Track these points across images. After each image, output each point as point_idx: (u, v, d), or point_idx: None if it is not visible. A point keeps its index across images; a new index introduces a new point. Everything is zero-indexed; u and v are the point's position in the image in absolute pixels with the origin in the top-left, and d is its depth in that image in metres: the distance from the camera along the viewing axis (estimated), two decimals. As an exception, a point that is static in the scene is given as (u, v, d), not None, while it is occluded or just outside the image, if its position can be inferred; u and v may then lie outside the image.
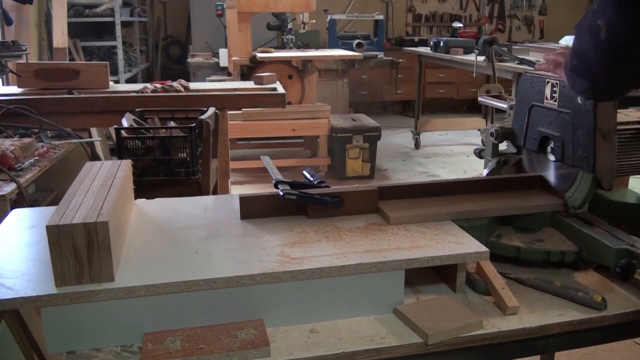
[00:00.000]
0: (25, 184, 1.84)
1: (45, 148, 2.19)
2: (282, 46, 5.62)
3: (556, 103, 1.35)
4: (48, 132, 2.45)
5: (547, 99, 1.38)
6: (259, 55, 4.71)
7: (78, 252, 0.89)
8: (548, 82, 1.37)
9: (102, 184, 1.09)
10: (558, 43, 4.69)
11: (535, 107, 1.42)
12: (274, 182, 1.23)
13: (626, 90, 1.11)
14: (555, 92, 1.36)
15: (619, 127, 1.29)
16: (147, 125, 2.39)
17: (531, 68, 1.63)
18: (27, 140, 2.15)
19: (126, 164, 1.25)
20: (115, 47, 5.86)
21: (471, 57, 4.77)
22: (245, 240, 1.10)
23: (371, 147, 4.86)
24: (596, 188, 1.28)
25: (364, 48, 5.93)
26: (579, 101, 1.28)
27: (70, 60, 5.23)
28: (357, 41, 5.95)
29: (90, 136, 3.32)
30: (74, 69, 3.03)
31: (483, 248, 1.08)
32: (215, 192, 2.68)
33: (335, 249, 1.05)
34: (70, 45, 5.49)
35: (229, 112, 3.08)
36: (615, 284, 1.17)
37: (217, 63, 5.52)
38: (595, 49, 1.00)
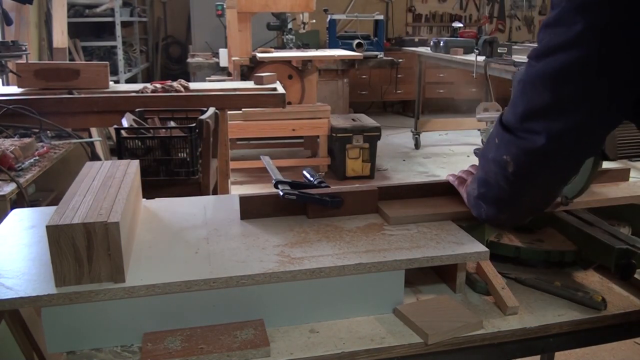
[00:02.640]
0: (25, 184, 1.84)
1: (45, 148, 2.19)
2: (282, 46, 5.62)
3: None
4: (48, 132, 2.45)
5: None
6: (259, 55, 4.71)
7: (78, 252, 0.89)
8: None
9: (102, 184, 1.09)
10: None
11: None
12: (274, 182, 1.23)
13: (533, 214, 1.13)
14: None
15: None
16: (147, 125, 2.39)
17: None
18: (27, 140, 2.15)
19: (134, 165, 1.25)
20: (115, 47, 5.86)
21: (471, 57, 4.78)
22: (245, 240, 1.10)
23: (371, 147, 4.86)
24: (599, 166, 1.24)
25: (364, 48, 5.93)
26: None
27: (70, 60, 5.23)
28: (357, 41, 5.96)
29: (90, 136, 3.32)
30: (74, 69, 3.03)
31: (483, 248, 1.08)
32: (215, 192, 2.68)
33: (335, 249, 1.05)
34: (70, 45, 5.50)
35: (229, 112, 3.08)
36: (615, 284, 1.17)
37: (217, 63, 5.52)
38: (506, 181, 0.99)
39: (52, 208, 1.10)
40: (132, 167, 1.21)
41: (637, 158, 1.26)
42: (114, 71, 5.55)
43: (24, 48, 2.95)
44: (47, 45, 5.15)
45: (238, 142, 5.29)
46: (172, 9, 7.82)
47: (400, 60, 6.06)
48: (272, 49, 5.08)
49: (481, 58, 4.62)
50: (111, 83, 3.17)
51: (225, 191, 2.99)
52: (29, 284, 0.91)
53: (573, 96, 0.87)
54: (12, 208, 1.46)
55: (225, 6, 5.11)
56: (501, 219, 1.10)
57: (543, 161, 0.93)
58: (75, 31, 5.82)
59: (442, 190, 1.32)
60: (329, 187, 1.29)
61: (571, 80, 0.86)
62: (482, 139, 1.60)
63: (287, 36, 5.34)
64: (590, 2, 0.82)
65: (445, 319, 1.00)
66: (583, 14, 0.83)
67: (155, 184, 2.20)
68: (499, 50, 4.46)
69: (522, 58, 3.98)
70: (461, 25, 6.43)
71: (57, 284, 0.90)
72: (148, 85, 3.04)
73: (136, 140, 2.20)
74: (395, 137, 6.74)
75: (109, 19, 5.84)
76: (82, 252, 0.89)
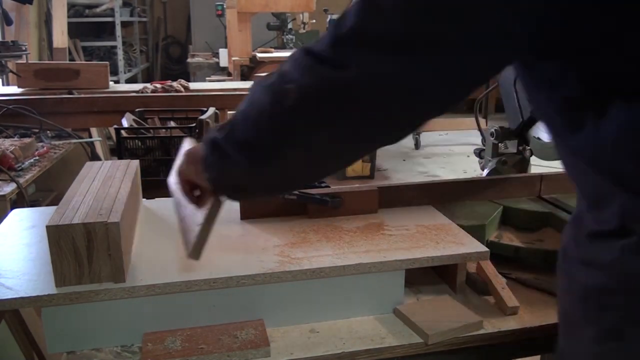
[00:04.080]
0: (25, 184, 1.84)
1: (45, 148, 2.19)
2: (282, 46, 5.62)
3: None
4: (48, 132, 2.45)
5: None
6: (259, 55, 4.71)
7: (78, 252, 0.89)
8: None
9: (102, 184, 1.09)
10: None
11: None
12: (274, 182, 1.23)
13: (275, 189, 0.84)
14: None
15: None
16: (147, 125, 2.39)
17: None
18: (27, 140, 2.15)
19: (134, 165, 1.24)
20: (115, 47, 5.87)
21: (471, 57, 4.77)
22: (245, 241, 1.10)
23: (371, 147, 4.85)
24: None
25: (364, 48, 5.91)
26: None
27: (70, 60, 5.23)
28: (357, 41, 5.94)
29: (90, 136, 3.32)
30: (74, 69, 3.03)
31: (483, 248, 1.08)
32: (215, 192, 2.68)
33: (335, 249, 1.05)
34: (70, 46, 5.50)
35: (229, 112, 3.08)
36: (615, 284, 1.17)
37: (217, 63, 5.52)
38: (270, 118, 0.71)
39: (52, 208, 1.10)
40: (132, 167, 1.21)
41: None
42: (114, 71, 5.55)
43: (24, 48, 2.95)
44: (47, 45, 5.15)
45: (238, 142, 5.28)
46: (172, 9, 7.82)
47: (400, 60, 6.04)
48: (272, 49, 5.07)
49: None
50: (111, 83, 3.17)
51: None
52: (29, 284, 0.91)
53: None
54: (12, 208, 1.46)
55: (225, 6, 5.11)
56: (240, 177, 0.78)
57: (344, 100, 0.67)
58: (75, 31, 5.83)
59: (441, 190, 1.32)
60: (329, 187, 1.29)
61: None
62: (481, 140, 1.61)
63: (287, 36, 5.33)
64: None
65: (446, 319, 1.00)
66: None
67: (155, 184, 2.20)
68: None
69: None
70: (461, 25, 6.42)
71: (57, 284, 0.90)
72: (148, 85, 3.04)
73: (136, 140, 2.20)
74: (395, 137, 6.73)
75: (109, 19, 5.84)
76: (82, 252, 0.89)
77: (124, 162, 1.26)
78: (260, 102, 0.72)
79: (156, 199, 1.33)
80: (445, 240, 1.10)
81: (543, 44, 0.65)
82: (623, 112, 0.62)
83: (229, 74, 5.11)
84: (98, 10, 5.88)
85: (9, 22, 3.66)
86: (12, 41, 2.93)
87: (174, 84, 3.05)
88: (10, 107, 2.46)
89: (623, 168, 0.64)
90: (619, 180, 0.65)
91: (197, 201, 0.87)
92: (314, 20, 5.20)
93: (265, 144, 0.73)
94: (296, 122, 0.70)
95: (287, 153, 0.73)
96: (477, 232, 1.17)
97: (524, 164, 1.70)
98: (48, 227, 0.88)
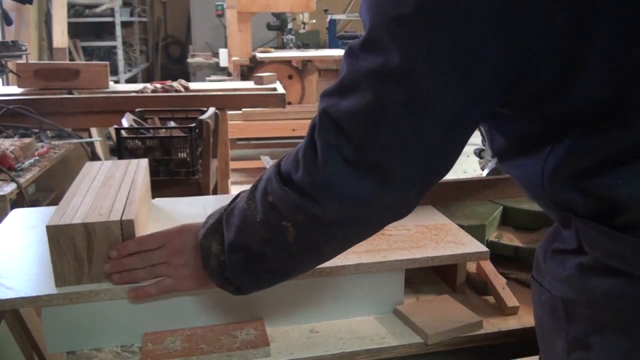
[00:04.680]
0: (25, 184, 1.84)
1: (45, 148, 2.19)
2: (282, 46, 5.62)
3: None
4: (48, 132, 2.45)
5: None
6: (259, 55, 4.71)
7: (78, 252, 0.89)
8: None
9: (102, 184, 1.09)
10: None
11: None
12: (274, 182, 1.23)
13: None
14: None
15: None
16: (147, 125, 2.39)
17: None
18: (27, 140, 2.15)
19: (143, 164, 1.24)
20: (115, 47, 5.87)
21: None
22: (245, 240, 1.10)
23: (371, 147, 4.85)
24: None
25: (364, 48, 5.91)
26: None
27: (70, 60, 5.23)
28: (357, 41, 5.94)
29: (90, 136, 3.32)
30: (74, 69, 3.03)
31: (483, 248, 1.08)
32: (215, 192, 2.68)
33: (335, 249, 1.05)
34: (70, 46, 5.50)
35: (229, 112, 3.08)
36: (615, 284, 1.17)
37: (217, 63, 5.53)
38: (284, 250, 0.77)
39: (52, 208, 1.10)
40: (140, 167, 1.21)
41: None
42: (114, 71, 5.55)
43: (24, 48, 2.95)
44: (47, 45, 5.15)
45: (238, 142, 5.28)
46: (172, 9, 7.82)
47: (400, 60, 6.05)
48: (272, 49, 5.08)
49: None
50: (111, 83, 3.17)
51: (226, 191, 2.98)
52: (29, 284, 0.91)
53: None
54: (12, 208, 1.46)
55: (225, 6, 5.12)
56: (250, 289, 0.85)
57: (338, 230, 0.73)
58: (75, 31, 5.83)
59: (441, 190, 1.32)
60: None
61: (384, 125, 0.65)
62: (481, 140, 1.61)
63: (287, 36, 5.34)
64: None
65: (446, 319, 1.00)
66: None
67: (155, 184, 2.20)
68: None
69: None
70: (461, 25, 6.42)
71: (58, 284, 0.90)
72: (148, 85, 3.04)
73: (136, 140, 2.20)
74: (395, 137, 6.73)
75: (109, 19, 5.85)
76: (82, 252, 0.89)
77: (133, 161, 1.25)
78: (260, 236, 0.77)
79: (156, 198, 1.33)
80: (445, 240, 1.10)
81: (505, 103, 0.67)
82: (566, 145, 0.65)
83: (229, 74, 5.11)
84: (98, 10, 5.88)
85: (9, 22, 3.66)
86: (12, 41, 2.92)
87: (174, 84, 3.05)
88: (10, 107, 2.47)
89: (566, 196, 0.66)
90: (565, 207, 0.68)
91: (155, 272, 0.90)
92: (314, 20, 5.20)
93: (274, 270, 0.81)
94: (300, 251, 0.77)
95: (294, 269, 0.83)
96: (477, 232, 1.17)
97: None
98: (48, 227, 0.88)
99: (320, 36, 7.39)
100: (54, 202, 2.26)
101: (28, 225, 1.17)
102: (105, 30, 6.48)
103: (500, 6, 0.58)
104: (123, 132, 2.19)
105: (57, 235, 0.88)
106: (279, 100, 3.05)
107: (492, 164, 1.64)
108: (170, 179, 2.22)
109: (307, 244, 0.76)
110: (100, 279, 0.91)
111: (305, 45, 6.06)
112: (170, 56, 7.88)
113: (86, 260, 0.90)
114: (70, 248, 0.89)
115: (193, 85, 3.26)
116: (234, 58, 4.80)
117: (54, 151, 2.21)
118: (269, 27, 5.40)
